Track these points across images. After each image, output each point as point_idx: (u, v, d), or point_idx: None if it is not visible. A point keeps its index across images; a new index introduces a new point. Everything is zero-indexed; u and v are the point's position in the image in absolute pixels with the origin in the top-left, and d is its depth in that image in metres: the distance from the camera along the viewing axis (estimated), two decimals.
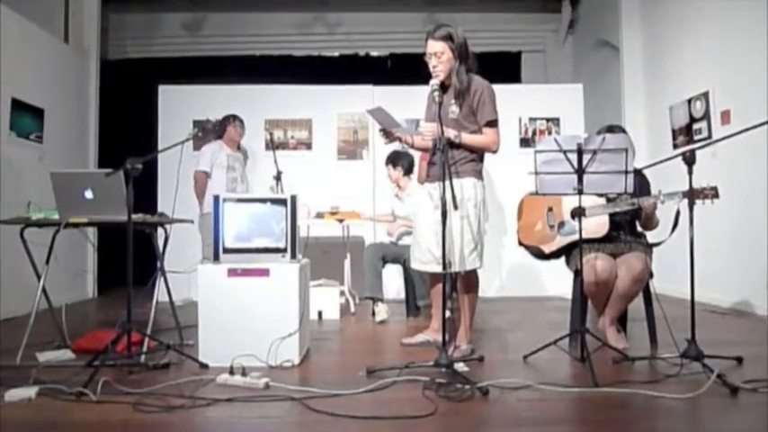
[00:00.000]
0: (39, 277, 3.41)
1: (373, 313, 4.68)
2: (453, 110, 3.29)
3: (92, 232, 5.86)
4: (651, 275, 3.40)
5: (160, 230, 3.63)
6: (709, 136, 5.28)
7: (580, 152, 2.96)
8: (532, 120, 6.46)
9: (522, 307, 5.39)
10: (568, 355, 3.26)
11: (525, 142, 6.38)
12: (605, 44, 7.53)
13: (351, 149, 6.49)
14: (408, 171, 5.03)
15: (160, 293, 3.55)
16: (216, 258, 3.18)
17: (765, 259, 4.47)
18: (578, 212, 3.10)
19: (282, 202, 3.22)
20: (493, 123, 3.29)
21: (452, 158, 3.17)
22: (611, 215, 3.48)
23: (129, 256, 3.02)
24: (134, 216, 3.04)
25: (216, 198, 3.22)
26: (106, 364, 2.81)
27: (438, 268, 3.20)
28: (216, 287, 3.11)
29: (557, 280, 5.73)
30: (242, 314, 3.07)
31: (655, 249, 3.50)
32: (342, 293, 5.10)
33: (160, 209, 5.19)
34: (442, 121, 3.03)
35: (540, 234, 3.73)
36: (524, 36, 8.88)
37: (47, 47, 5.86)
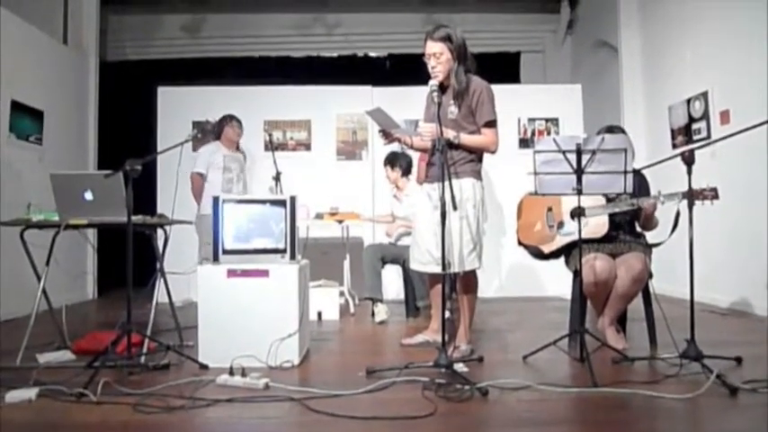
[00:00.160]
0: (39, 278, 3.41)
1: (373, 314, 4.68)
2: (452, 110, 3.29)
3: (91, 234, 5.86)
4: (650, 276, 3.40)
5: (160, 232, 3.63)
6: (709, 136, 5.28)
7: (579, 152, 2.96)
8: (531, 120, 6.47)
9: (521, 307, 5.39)
10: (568, 355, 3.26)
11: (524, 143, 6.38)
12: (604, 44, 7.54)
13: (350, 150, 6.50)
14: (406, 172, 5.04)
15: (160, 294, 3.55)
16: (215, 259, 3.18)
17: (765, 259, 4.47)
18: (578, 213, 3.10)
19: (282, 202, 3.22)
20: (492, 124, 3.30)
21: (451, 159, 3.17)
22: (611, 215, 3.48)
23: (129, 258, 3.02)
24: (134, 217, 3.04)
25: (215, 199, 3.23)
26: (106, 365, 2.81)
27: (437, 269, 3.21)
28: (215, 288, 3.11)
29: (556, 280, 5.73)
30: (242, 315, 3.08)
31: (654, 249, 3.50)
32: (341, 294, 5.10)
33: (160, 210, 5.18)
34: (440, 122, 3.03)
35: (540, 234, 3.73)
36: (523, 36, 8.89)
37: (46, 49, 5.86)
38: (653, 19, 6.50)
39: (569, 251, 3.62)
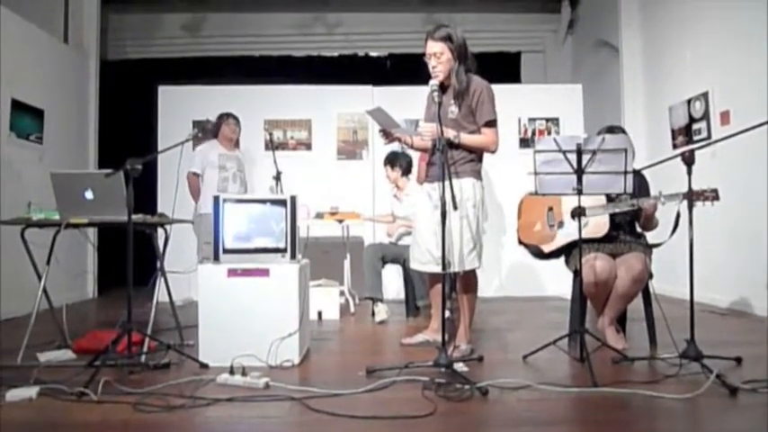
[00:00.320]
0: (39, 277, 3.42)
1: (373, 313, 4.68)
2: (452, 110, 3.29)
3: (92, 233, 5.86)
4: (650, 276, 3.40)
5: (160, 231, 3.63)
6: (709, 136, 5.28)
7: (579, 152, 2.97)
8: (532, 120, 6.47)
9: (521, 307, 5.40)
10: (568, 355, 3.26)
11: (524, 142, 6.38)
12: (605, 44, 7.54)
13: (350, 150, 6.50)
14: (407, 171, 5.04)
15: (160, 293, 3.55)
16: (216, 258, 3.18)
17: (765, 259, 4.47)
18: (578, 212, 3.10)
19: (282, 202, 3.23)
20: (492, 123, 3.30)
21: (451, 159, 3.17)
22: (611, 215, 3.49)
23: (130, 257, 3.03)
24: (134, 216, 3.04)
25: (216, 198, 3.23)
26: (107, 364, 2.82)
27: (437, 268, 3.21)
28: (216, 287, 3.11)
29: (556, 280, 5.73)
30: (242, 314, 3.08)
31: (654, 250, 3.50)
32: (341, 294, 5.11)
33: (160, 209, 5.19)
34: (441, 122, 3.03)
35: (540, 234, 3.74)
36: (524, 36, 8.89)
37: (46, 47, 5.86)
38: (654, 19, 6.50)
39: (569, 251, 3.62)
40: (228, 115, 5.22)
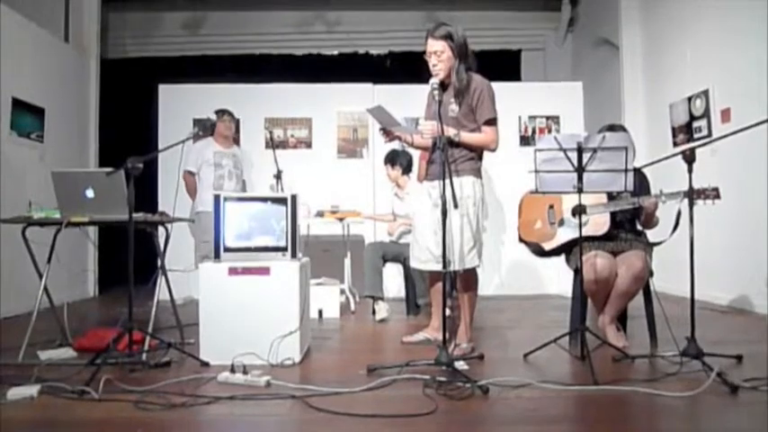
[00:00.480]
0: (40, 276, 3.42)
1: (373, 312, 4.68)
2: (453, 108, 3.29)
3: (93, 231, 5.87)
4: (651, 274, 3.40)
5: (161, 229, 3.63)
6: (710, 134, 5.28)
7: (580, 150, 2.96)
8: (532, 118, 6.47)
9: (521, 305, 5.40)
10: (568, 353, 3.26)
11: (525, 140, 6.38)
12: (605, 42, 7.53)
13: (351, 148, 6.50)
14: (407, 170, 5.04)
15: (161, 292, 3.55)
16: (217, 257, 3.19)
17: (765, 258, 4.48)
18: (579, 210, 3.10)
19: (283, 201, 3.23)
20: (492, 122, 3.30)
21: (452, 157, 3.17)
22: (612, 213, 3.49)
23: (130, 255, 3.03)
24: (135, 215, 3.05)
25: (216, 197, 3.23)
26: (108, 362, 2.82)
27: (437, 267, 3.22)
28: (217, 285, 3.12)
29: (556, 278, 5.76)
30: (243, 312, 3.08)
31: (655, 248, 3.50)
32: (342, 292, 5.11)
33: (161, 208, 5.21)
34: (441, 120, 3.03)
35: (541, 231, 3.74)
36: (524, 34, 8.89)
37: (47, 46, 5.86)
38: (654, 17, 6.49)
39: (570, 249, 3.62)
40: (224, 112, 5.20)
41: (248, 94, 6.29)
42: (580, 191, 3.00)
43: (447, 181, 2.86)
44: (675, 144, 5.87)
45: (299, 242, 3.34)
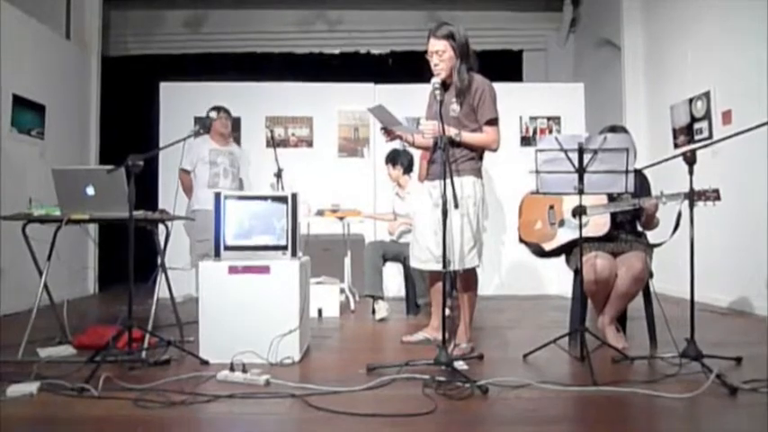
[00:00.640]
0: (40, 273, 3.42)
1: (373, 311, 4.68)
2: (454, 108, 3.29)
3: (93, 229, 5.87)
4: (651, 275, 3.40)
5: (161, 227, 3.63)
6: (710, 136, 5.28)
7: (581, 151, 2.96)
8: (533, 118, 6.47)
9: (521, 305, 5.40)
10: (568, 353, 3.26)
11: (526, 141, 6.38)
12: (607, 43, 7.53)
13: (351, 147, 6.50)
14: (408, 169, 5.03)
15: (161, 290, 3.55)
16: (217, 255, 3.19)
17: (765, 259, 4.48)
18: (579, 211, 3.10)
19: (283, 199, 3.23)
20: (493, 122, 3.30)
21: (452, 157, 3.17)
22: (613, 214, 3.49)
23: (131, 253, 3.03)
24: (135, 213, 3.05)
25: (217, 195, 3.23)
26: (107, 360, 2.83)
27: (437, 266, 3.22)
28: (217, 284, 3.11)
29: (556, 278, 5.76)
30: (242, 311, 3.08)
31: (655, 249, 3.50)
32: (342, 291, 5.11)
33: (161, 206, 5.21)
34: (442, 120, 3.03)
35: (541, 232, 3.74)
36: (526, 35, 8.88)
37: (48, 43, 5.86)
38: (656, 18, 6.49)
39: (570, 249, 3.62)
40: (219, 108, 5.15)
41: (249, 93, 6.30)
42: (581, 192, 3.00)
43: (448, 181, 2.86)
44: (676, 146, 5.87)
45: (300, 241, 3.34)
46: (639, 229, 3.63)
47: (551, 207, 3.72)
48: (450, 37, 3.23)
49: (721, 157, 4.77)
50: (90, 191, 3.19)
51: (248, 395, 2.49)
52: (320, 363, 3.20)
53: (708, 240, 4.47)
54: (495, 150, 3.37)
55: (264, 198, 3.27)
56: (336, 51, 8.65)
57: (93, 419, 2.25)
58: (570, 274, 3.68)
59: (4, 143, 5.02)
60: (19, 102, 5.24)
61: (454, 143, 3.21)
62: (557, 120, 6.46)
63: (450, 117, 3.27)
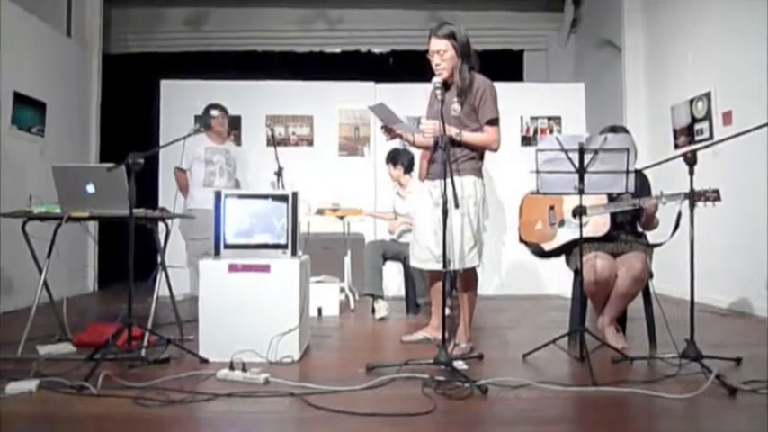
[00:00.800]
0: (40, 271, 3.42)
1: (373, 310, 4.68)
2: (455, 108, 3.29)
3: (93, 226, 5.88)
4: (651, 275, 3.40)
5: (161, 225, 3.63)
6: (711, 137, 5.28)
7: (582, 151, 2.96)
8: (534, 118, 6.46)
9: (521, 305, 5.40)
10: (567, 354, 3.26)
11: (526, 141, 6.38)
12: (607, 44, 7.53)
13: (352, 146, 6.50)
14: (409, 169, 5.03)
15: (161, 288, 3.55)
16: (217, 254, 3.19)
17: (765, 260, 4.48)
18: (579, 211, 3.10)
19: (283, 198, 3.22)
20: (494, 122, 3.30)
21: (453, 156, 3.16)
22: (613, 215, 3.49)
23: (131, 251, 3.03)
24: (135, 211, 3.05)
25: (217, 194, 3.23)
26: (107, 357, 2.83)
27: (436, 266, 3.22)
28: (217, 282, 3.11)
29: (556, 279, 5.76)
30: (242, 310, 3.08)
31: (655, 249, 3.51)
32: (342, 290, 5.11)
33: (161, 204, 5.21)
34: (443, 119, 3.03)
35: (541, 232, 3.74)
36: (527, 35, 8.87)
37: (49, 41, 5.86)
38: (657, 19, 6.48)
39: (570, 249, 3.62)
40: (215, 106, 5.13)
41: (250, 91, 6.29)
42: (581, 192, 3.00)
43: (448, 180, 2.86)
44: (677, 146, 5.87)
45: (300, 240, 3.34)
46: (639, 229, 3.63)
47: (551, 207, 3.72)
48: (451, 37, 3.23)
49: (722, 158, 4.77)
50: (90, 188, 3.19)
51: (248, 394, 2.49)
52: (320, 362, 3.20)
53: (708, 241, 4.47)
54: (495, 150, 3.37)
55: (265, 197, 3.27)
56: (337, 50, 8.64)
57: (92, 417, 2.25)
58: (570, 275, 3.68)
59: (4, 140, 5.02)
60: (19, 99, 5.23)
61: (455, 143, 3.21)
62: (557, 120, 6.46)
63: (451, 117, 3.26)
